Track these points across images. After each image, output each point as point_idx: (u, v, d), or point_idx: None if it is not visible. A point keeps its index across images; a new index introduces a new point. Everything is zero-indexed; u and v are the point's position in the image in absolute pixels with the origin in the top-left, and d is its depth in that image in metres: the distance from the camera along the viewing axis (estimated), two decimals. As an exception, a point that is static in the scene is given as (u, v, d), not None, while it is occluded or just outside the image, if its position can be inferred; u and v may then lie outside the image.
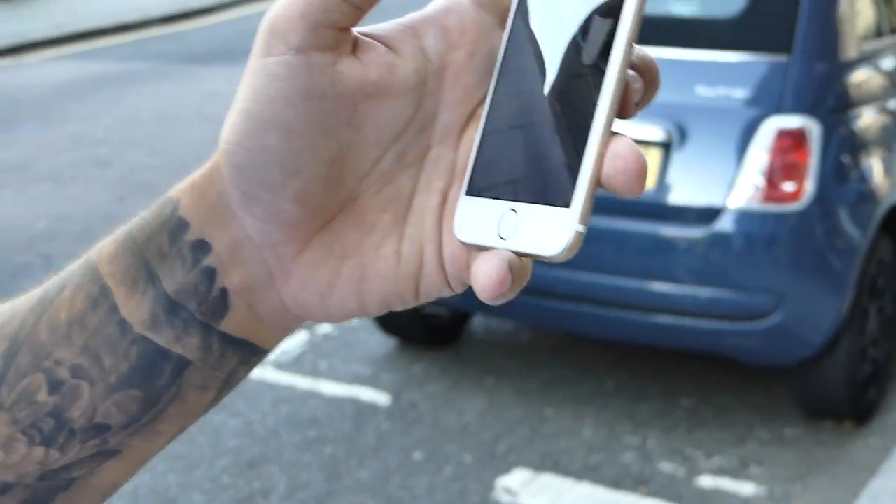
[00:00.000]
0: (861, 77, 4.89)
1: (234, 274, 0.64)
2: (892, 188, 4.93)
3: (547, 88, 0.60)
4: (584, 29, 0.59)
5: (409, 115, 0.64)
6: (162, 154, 8.89)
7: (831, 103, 4.66)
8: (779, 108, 4.49)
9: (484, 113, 0.62)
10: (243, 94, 0.62)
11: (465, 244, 0.62)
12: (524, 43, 0.62)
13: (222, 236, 0.64)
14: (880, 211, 4.82)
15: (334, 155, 0.62)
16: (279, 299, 0.65)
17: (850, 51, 4.81)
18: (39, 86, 11.58)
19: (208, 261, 0.64)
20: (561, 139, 0.59)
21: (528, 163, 0.60)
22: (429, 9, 0.65)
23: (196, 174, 0.65)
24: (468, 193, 0.62)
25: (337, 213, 0.64)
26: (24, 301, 0.67)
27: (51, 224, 7.41)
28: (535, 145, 0.60)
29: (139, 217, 0.66)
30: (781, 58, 4.57)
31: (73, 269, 0.67)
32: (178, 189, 0.65)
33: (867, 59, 4.96)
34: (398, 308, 0.65)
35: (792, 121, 4.47)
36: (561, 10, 0.60)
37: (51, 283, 0.67)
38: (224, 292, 0.64)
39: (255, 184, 0.62)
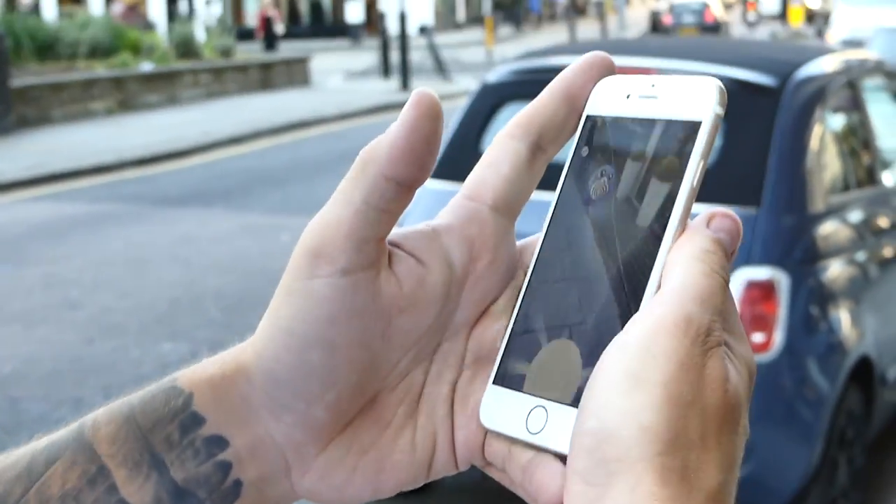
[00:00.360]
0: (829, 230, 4.96)
1: (251, 468, 0.65)
2: (861, 339, 4.98)
3: (579, 295, 0.63)
4: (625, 249, 0.62)
5: (431, 321, 0.66)
6: (133, 296, 8.88)
7: (799, 255, 4.72)
8: (748, 260, 4.53)
9: (515, 311, 0.65)
10: (284, 311, 0.63)
11: (490, 431, 0.64)
12: (559, 248, 0.65)
13: (242, 434, 0.65)
14: (849, 362, 4.85)
15: (366, 364, 0.65)
16: (292, 489, 0.66)
17: (818, 204, 4.88)
18: (13, 226, 11.60)
19: (224, 455, 0.65)
20: (593, 344, 0.61)
21: (561, 365, 0.62)
22: (451, 216, 0.67)
23: (213, 370, 0.66)
24: (496, 383, 0.64)
25: (358, 413, 0.66)
26: (6, 467, 0.66)
27: (18, 366, 7.36)
28: (568, 348, 0.62)
29: (139, 399, 0.66)
30: (750, 210, 4.63)
31: (60, 439, 0.66)
32: (189, 380, 0.65)
33: (835, 212, 5.04)
34: (409, 488, 0.68)
35: (761, 272, 4.51)
36: (606, 226, 0.63)
37: (37, 452, 0.66)
38: (237, 483, 0.65)
39: (290, 395, 0.64)
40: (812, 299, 4.73)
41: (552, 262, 0.65)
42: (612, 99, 0.66)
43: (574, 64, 0.68)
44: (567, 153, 0.68)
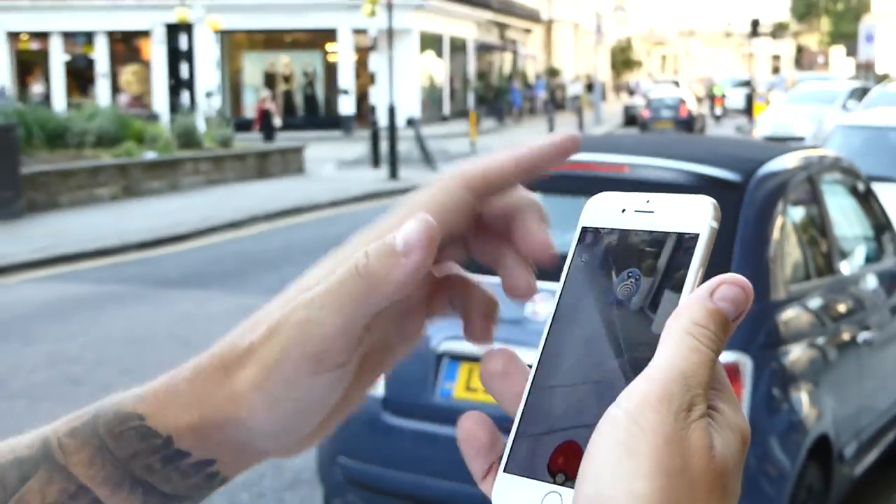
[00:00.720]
0: (790, 316, 5.07)
1: (235, 468, 0.71)
2: (820, 419, 5.08)
3: (587, 390, 0.66)
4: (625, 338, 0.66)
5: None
6: (133, 374, 8.85)
7: (762, 340, 4.84)
8: (713, 344, 4.68)
9: (522, 405, 0.67)
10: (289, 404, 0.68)
11: None
12: (564, 346, 0.68)
13: (229, 453, 0.70)
14: (809, 440, 4.96)
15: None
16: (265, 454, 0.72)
17: (780, 292, 5.00)
18: (20, 305, 11.64)
19: (212, 469, 0.70)
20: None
21: (571, 453, 0.64)
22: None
23: (190, 419, 0.69)
24: (507, 471, 0.66)
25: None
26: None
27: (22, 439, 7.43)
28: (578, 439, 0.64)
29: (106, 432, 0.68)
30: (715, 298, 4.82)
31: (28, 458, 0.68)
32: (164, 424, 0.69)
33: (795, 299, 5.16)
34: None
35: (725, 356, 4.57)
36: (606, 322, 0.67)
37: (6, 466, 0.68)
38: (223, 479, 0.72)
39: (285, 441, 0.71)
40: (774, 381, 4.82)
41: (559, 359, 0.67)
42: (607, 213, 0.69)
43: (550, 143, 0.72)
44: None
